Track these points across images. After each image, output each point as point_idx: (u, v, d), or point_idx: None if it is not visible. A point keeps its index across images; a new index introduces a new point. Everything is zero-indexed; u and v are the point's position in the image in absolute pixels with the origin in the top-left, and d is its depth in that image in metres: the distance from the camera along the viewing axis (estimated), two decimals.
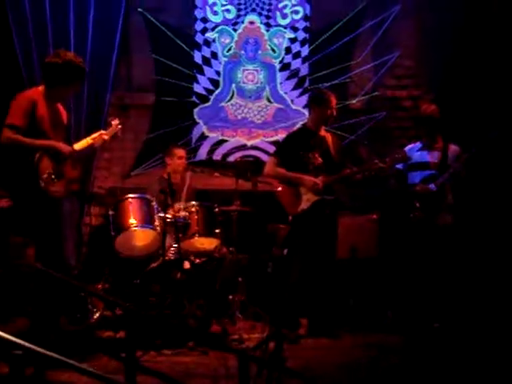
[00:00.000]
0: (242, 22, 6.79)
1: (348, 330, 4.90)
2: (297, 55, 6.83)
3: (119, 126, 4.50)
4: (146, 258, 4.82)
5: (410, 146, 5.30)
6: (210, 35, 6.74)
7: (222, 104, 6.76)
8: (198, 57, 6.71)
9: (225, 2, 6.78)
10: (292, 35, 6.83)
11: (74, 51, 4.97)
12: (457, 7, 6.40)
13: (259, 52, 6.82)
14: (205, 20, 6.74)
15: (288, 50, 6.82)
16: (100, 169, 6.46)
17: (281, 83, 6.81)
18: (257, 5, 6.81)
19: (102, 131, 4.44)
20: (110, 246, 4.76)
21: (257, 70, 6.81)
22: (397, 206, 5.37)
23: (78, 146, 4.24)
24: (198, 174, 5.83)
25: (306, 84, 6.81)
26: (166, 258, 4.67)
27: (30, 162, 3.85)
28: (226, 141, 6.74)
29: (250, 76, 6.80)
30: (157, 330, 4.18)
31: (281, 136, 6.49)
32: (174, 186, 5.04)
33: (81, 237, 5.48)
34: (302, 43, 6.83)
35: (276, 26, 6.83)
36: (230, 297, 5.13)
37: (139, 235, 4.81)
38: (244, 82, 6.79)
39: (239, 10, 6.80)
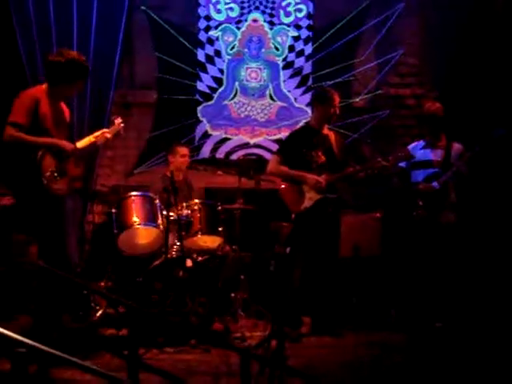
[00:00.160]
0: (246, 20, 6.78)
1: (351, 329, 4.90)
2: (300, 53, 6.81)
3: (122, 124, 4.51)
4: (149, 256, 4.81)
5: (413, 145, 5.30)
6: (213, 33, 6.73)
7: (226, 102, 6.75)
8: (201, 55, 6.70)
9: (228, 0, 6.76)
10: (295, 33, 6.81)
11: (77, 49, 4.98)
12: (460, 5, 6.39)
13: (262, 50, 6.80)
14: (208, 18, 6.73)
15: (291, 48, 6.81)
16: (103, 167, 6.46)
17: (284, 81, 6.80)
18: (260, 3, 6.79)
19: (105, 129, 4.45)
20: (112, 244, 4.75)
21: (260, 68, 6.80)
22: (400, 204, 5.37)
23: (80, 144, 4.25)
24: (201, 172, 5.83)
25: (310, 82, 6.80)
26: (169, 255, 4.67)
27: (32, 159, 3.85)
28: (229, 139, 6.74)
29: (253, 74, 6.79)
30: (159, 327, 4.19)
31: (284, 134, 6.50)
32: (177, 183, 5.04)
33: (83, 234, 5.48)
34: (306, 41, 6.82)
35: (279, 24, 6.82)
36: (233, 295, 5.13)
37: (142, 233, 4.80)
38: (247, 80, 6.79)
39: (242, 8, 6.79)
